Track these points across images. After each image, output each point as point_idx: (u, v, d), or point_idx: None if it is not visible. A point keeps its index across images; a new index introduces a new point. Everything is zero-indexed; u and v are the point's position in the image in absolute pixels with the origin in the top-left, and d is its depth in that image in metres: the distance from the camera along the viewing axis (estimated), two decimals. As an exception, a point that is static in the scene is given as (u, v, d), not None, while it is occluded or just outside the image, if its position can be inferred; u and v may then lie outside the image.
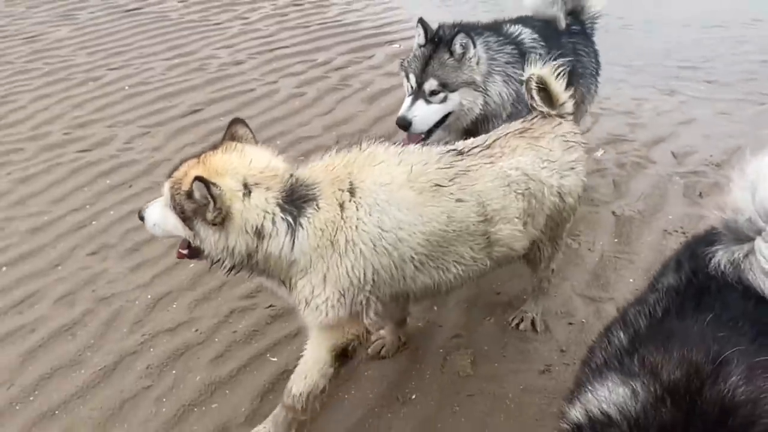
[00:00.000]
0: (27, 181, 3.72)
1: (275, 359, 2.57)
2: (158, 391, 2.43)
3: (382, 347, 2.59)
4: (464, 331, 2.71)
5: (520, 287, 2.91)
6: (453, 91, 2.79)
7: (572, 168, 2.30)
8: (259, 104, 4.66)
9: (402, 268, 1.99)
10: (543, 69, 2.32)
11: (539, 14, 3.25)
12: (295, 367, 2.13)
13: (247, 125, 2.04)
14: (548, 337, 2.70)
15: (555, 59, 2.40)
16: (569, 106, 2.39)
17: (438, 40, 2.80)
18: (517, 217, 2.14)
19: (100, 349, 2.62)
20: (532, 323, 2.71)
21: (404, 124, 2.81)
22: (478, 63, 2.79)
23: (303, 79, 5.07)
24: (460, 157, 2.10)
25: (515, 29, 3.03)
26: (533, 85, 2.32)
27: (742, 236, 1.47)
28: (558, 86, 2.35)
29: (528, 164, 2.18)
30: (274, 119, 4.47)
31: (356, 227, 1.90)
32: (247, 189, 1.83)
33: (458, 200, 2.01)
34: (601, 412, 1.23)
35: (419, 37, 2.86)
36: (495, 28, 3.04)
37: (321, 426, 2.27)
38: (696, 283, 1.52)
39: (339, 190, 1.92)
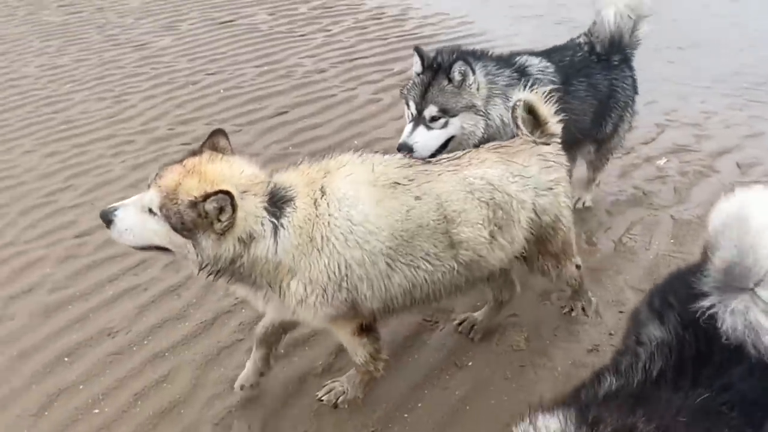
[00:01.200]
0: (138, 168, 4.31)
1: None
2: (248, 343, 2.84)
3: (473, 327, 2.85)
4: (520, 311, 3.00)
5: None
6: (453, 116, 2.83)
7: (550, 188, 2.39)
8: (339, 108, 5.13)
9: (375, 262, 2.10)
10: (530, 95, 2.43)
11: (602, 34, 3.24)
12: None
13: (227, 137, 2.14)
14: (598, 321, 2.96)
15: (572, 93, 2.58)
16: (556, 130, 2.48)
17: (437, 67, 2.83)
18: (479, 223, 2.22)
19: (200, 307, 3.09)
20: (583, 309, 2.94)
21: (405, 151, 2.80)
22: (478, 88, 2.84)
23: (380, 86, 5.51)
24: (424, 164, 2.26)
25: (523, 59, 3.06)
26: (519, 112, 2.42)
27: (735, 286, 1.37)
28: (546, 110, 2.45)
29: (495, 176, 2.27)
30: (352, 122, 4.92)
31: (329, 223, 2.05)
32: (241, 197, 1.94)
33: (416, 197, 2.15)
34: None
35: (416, 65, 2.91)
36: (505, 58, 3.08)
37: (388, 382, 2.62)
38: (693, 345, 1.44)
39: (312, 190, 2.08)
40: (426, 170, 2.23)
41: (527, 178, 2.34)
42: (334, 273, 2.06)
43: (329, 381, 2.59)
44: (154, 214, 1.96)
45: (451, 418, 2.50)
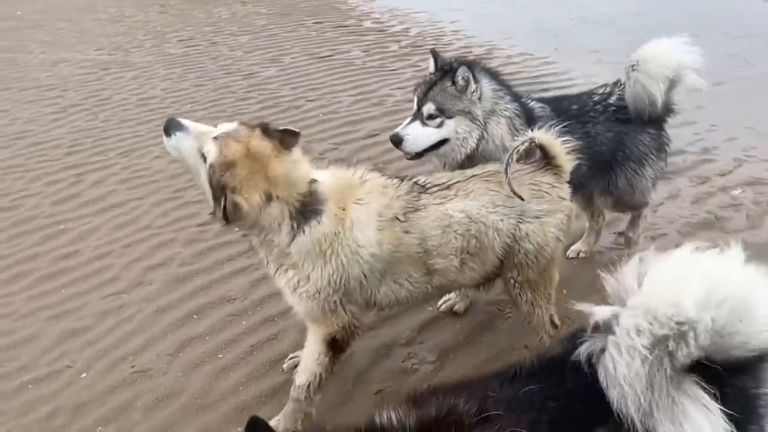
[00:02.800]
0: (249, 175, 5.02)
1: (430, 308, 3.41)
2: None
3: (454, 305, 3.32)
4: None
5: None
6: (449, 117, 2.88)
7: (537, 217, 2.52)
8: (426, 133, 5.71)
9: (368, 277, 2.39)
10: (543, 133, 2.55)
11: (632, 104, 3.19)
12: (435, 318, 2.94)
13: (298, 138, 2.33)
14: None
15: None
16: (565, 166, 2.60)
17: (447, 70, 2.92)
18: (452, 254, 2.46)
19: (303, 286, 3.66)
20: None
21: (396, 140, 2.95)
22: (480, 98, 2.89)
23: (463, 115, 6.05)
24: (419, 196, 2.46)
25: (530, 102, 3.15)
26: (522, 148, 2.49)
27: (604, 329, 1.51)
28: (558, 148, 2.57)
29: (475, 208, 2.46)
30: (437, 145, 5.47)
31: (341, 241, 2.31)
32: (268, 203, 2.23)
33: (406, 231, 2.40)
34: (376, 424, 1.52)
35: (431, 66, 3.04)
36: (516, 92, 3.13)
37: (465, 356, 3.06)
38: (562, 358, 1.60)
39: (339, 208, 2.32)
40: (419, 204, 2.45)
41: (510, 207, 2.50)
42: (333, 281, 2.35)
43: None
44: (204, 160, 2.25)
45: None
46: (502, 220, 2.49)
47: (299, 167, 2.31)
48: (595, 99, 3.31)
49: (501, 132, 2.93)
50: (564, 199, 2.61)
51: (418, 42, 8.48)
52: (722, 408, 1.40)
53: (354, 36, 8.82)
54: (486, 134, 2.91)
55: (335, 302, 2.40)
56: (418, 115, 2.94)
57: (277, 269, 2.40)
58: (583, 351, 1.51)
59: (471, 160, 2.92)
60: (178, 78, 7.29)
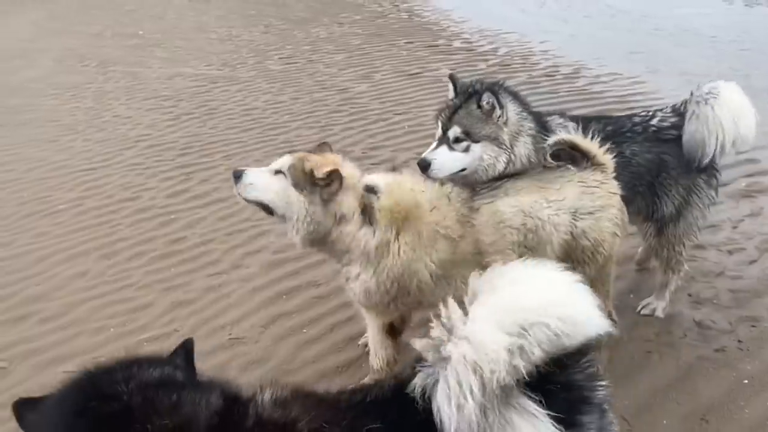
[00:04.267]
0: (337, 179, 5.50)
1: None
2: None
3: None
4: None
5: (710, 292, 3.61)
6: (476, 141, 2.84)
7: (591, 212, 2.63)
8: (507, 146, 5.97)
9: (425, 280, 2.58)
10: (567, 135, 2.69)
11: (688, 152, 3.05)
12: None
13: (331, 149, 2.79)
14: (729, 329, 3.35)
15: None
16: (605, 161, 2.71)
17: (471, 93, 2.90)
18: (509, 249, 2.58)
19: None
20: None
21: (424, 165, 2.87)
22: (506, 123, 2.86)
23: (546, 131, 6.26)
24: (470, 203, 2.63)
25: (559, 120, 3.10)
26: (554, 147, 2.67)
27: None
28: (588, 144, 2.69)
29: (527, 203, 2.59)
30: (518, 158, 5.72)
31: (395, 257, 2.54)
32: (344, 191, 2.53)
33: (460, 236, 2.59)
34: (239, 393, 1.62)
35: (450, 92, 3.03)
36: (536, 112, 3.09)
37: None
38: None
39: (395, 225, 2.55)
40: (469, 208, 2.62)
41: (561, 201, 2.62)
42: (385, 289, 2.58)
43: None
44: (281, 173, 2.55)
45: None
46: (556, 215, 2.59)
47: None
48: (635, 120, 3.23)
49: (527, 152, 2.90)
50: (614, 193, 2.70)
51: (506, 61, 8.77)
52: (549, 413, 1.43)
53: (443, 55, 9.23)
54: (513, 156, 2.87)
55: (387, 302, 2.65)
56: (444, 140, 2.91)
57: (342, 260, 2.69)
58: (417, 383, 1.50)
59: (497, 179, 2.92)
60: (277, 91, 7.98)
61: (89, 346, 3.52)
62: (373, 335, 2.87)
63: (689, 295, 3.63)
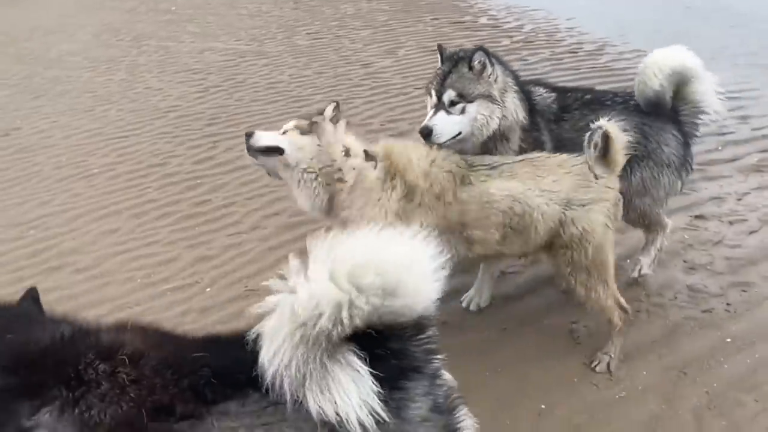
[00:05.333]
0: (355, 149, 5.74)
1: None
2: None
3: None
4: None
5: (705, 259, 3.76)
6: (471, 102, 2.99)
7: (583, 204, 2.74)
8: (523, 120, 6.12)
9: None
10: (611, 124, 2.67)
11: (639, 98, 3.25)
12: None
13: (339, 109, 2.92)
14: (720, 293, 3.51)
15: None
16: (617, 161, 2.74)
17: (458, 59, 3.08)
18: (492, 228, 2.78)
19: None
20: (608, 365, 3.01)
21: (426, 132, 3.01)
22: (495, 80, 3.04)
23: (563, 106, 6.38)
24: (464, 177, 2.80)
25: (537, 88, 3.32)
26: (596, 137, 2.65)
27: None
28: (618, 144, 2.69)
29: (519, 189, 2.75)
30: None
31: (392, 201, 2.79)
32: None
33: (447, 204, 2.79)
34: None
35: (439, 60, 3.22)
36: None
37: (511, 309, 3.51)
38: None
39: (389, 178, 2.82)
40: (461, 181, 2.81)
41: (554, 192, 2.76)
42: (392, 212, 2.79)
43: None
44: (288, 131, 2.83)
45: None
46: (547, 205, 2.75)
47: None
48: (618, 93, 3.40)
49: (515, 106, 3.09)
50: (611, 188, 2.80)
51: (530, 38, 8.83)
52: (372, 370, 1.48)
53: (468, 31, 9.33)
54: (505, 109, 3.05)
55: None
56: (440, 106, 3.04)
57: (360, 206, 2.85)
58: (256, 328, 1.56)
59: (492, 140, 3.10)
60: (303, 66, 8.22)
61: (118, 294, 3.87)
62: None
63: (684, 261, 3.79)
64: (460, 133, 3.06)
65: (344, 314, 1.47)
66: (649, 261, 3.55)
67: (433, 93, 3.10)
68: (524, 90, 3.23)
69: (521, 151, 3.16)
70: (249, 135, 2.90)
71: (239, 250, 4.26)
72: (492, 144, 3.13)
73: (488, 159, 2.95)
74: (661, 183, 3.29)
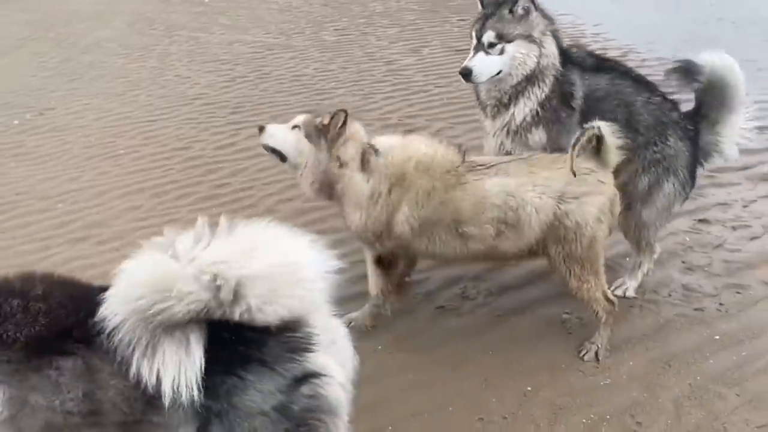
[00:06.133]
0: (372, 142, 5.94)
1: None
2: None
3: None
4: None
5: (704, 261, 3.86)
6: (509, 42, 3.15)
7: (576, 198, 2.86)
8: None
9: (400, 237, 3.02)
10: (605, 125, 2.84)
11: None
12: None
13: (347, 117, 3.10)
14: (714, 293, 3.61)
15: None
16: (611, 161, 2.91)
17: (499, 2, 3.20)
18: (488, 224, 2.91)
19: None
20: (596, 354, 3.13)
21: (466, 73, 3.21)
22: (537, 24, 3.21)
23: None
24: (461, 175, 2.97)
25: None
26: (585, 136, 2.82)
27: None
28: (611, 144, 2.86)
29: (513, 184, 2.89)
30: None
31: (381, 207, 3.02)
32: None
33: (443, 202, 2.95)
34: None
35: (479, 6, 3.36)
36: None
37: (516, 295, 3.65)
38: None
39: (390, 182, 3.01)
40: (458, 179, 2.97)
41: (547, 186, 2.88)
42: (377, 221, 3.03)
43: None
44: (297, 128, 3.10)
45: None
46: (539, 198, 2.87)
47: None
48: (659, 87, 3.48)
49: (554, 49, 3.24)
50: (604, 183, 2.93)
51: (555, 42, 8.92)
52: (206, 349, 1.63)
53: (494, 33, 9.45)
54: (543, 49, 3.20)
55: (377, 239, 3.12)
56: (479, 47, 3.23)
57: (344, 201, 3.14)
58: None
59: (527, 80, 3.23)
60: (328, 60, 8.45)
61: (137, 266, 4.11)
62: (368, 263, 3.33)
63: (683, 262, 3.90)
64: (500, 72, 3.22)
65: (191, 304, 1.62)
66: (635, 284, 3.58)
67: (474, 35, 3.27)
68: (561, 42, 3.35)
69: (548, 106, 3.27)
70: (261, 129, 3.23)
71: (253, 231, 4.47)
72: (525, 86, 3.24)
73: (484, 159, 3.15)
74: (665, 192, 3.34)
